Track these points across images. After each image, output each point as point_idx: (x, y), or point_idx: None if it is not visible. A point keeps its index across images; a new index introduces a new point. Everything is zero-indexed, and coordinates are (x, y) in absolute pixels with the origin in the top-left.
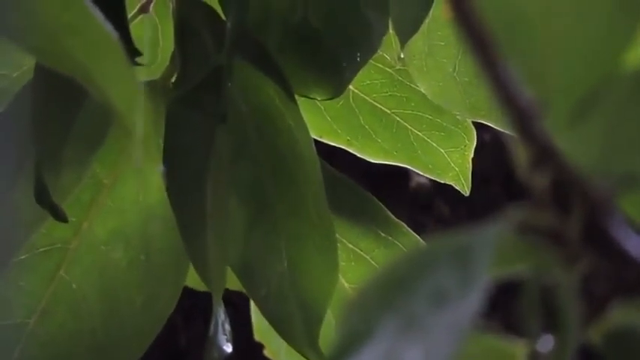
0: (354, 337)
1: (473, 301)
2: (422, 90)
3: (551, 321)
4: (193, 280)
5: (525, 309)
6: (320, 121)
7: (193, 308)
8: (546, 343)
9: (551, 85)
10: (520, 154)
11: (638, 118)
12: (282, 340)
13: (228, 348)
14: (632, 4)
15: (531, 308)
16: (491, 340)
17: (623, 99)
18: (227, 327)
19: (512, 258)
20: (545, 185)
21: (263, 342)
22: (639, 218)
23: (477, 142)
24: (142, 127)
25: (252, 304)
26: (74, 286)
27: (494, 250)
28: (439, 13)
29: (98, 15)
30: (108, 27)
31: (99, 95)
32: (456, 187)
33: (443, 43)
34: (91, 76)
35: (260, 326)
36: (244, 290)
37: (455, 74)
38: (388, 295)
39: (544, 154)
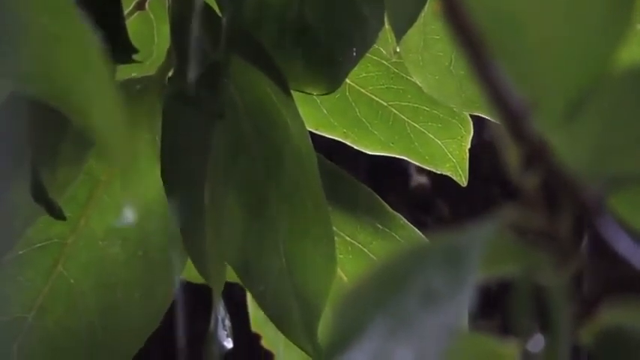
0: (345, 336)
1: (462, 300)
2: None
3: (543, 321)
4: (192, 273)
5: (516, 309)
6: (316, 113)
7: (194, 307)
8: (537, 343)
9: (541, 85)
10: (511, 154)
11: (628, 118)
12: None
13: (229, 343)
14: (623, 3)
15: (522, 308)
16: (482, 340)
17: (614, 99)
18: (227, 323)
19: (503, 258)
20: (535, 185)
21: (260, 333)
22: (630, 218)
23: (478, 141)
24: (127, 151)
25: (248, 295)
26: (72, 281)
27: (484, 250)
28: (433, 8)
29: (88, 24)
30: (97, 37)
31: (78, 118)
32: (454, 185)
33: (438, 37)
34: (72, 97)
35: (257, 317)
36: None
37: (451, 67)
38: (379, 294)
39: (535, 154)
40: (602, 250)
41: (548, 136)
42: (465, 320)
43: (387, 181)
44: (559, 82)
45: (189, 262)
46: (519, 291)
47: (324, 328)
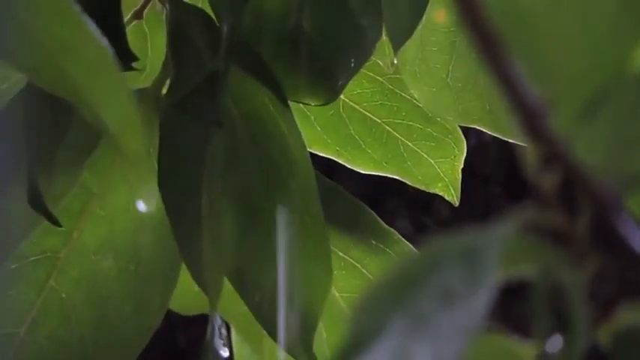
0: (363, 336)
1: (481, 300)
2: (414, 96)
3: (560, 321)
4: (179, 303)
5: (533, 309)
6: (310, 130)
7: None
8: (555, 343)
9: (558, 84)
10: (528, 154)
11: None
12: None
13: (225, 352)
14: (638, 3)
15: (539, 309)
16: (499, 340)
17: (631, 97)
18: (224, 331)
19: (520, 258)
20: (553, 185)
21: None
22: None
23: (478, 142)
24: (140, 147)
25: (233, 333)
26: (64, 295)
27: (502, 250)
28: (433, 19)
29: (95, 31)
30: (104, 41)
31: (89, 114)
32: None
33: (436, 49)
34: (83, 94)
35: (242, 355)
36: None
37: (448, 80)
38: (397, 295)
39: (552, 153)
40: (619, 249)
41: (565, 135)
42: (483, 321)
43: (386, 182)
44: (576, 81)
45: (176, 290)
46: (537, 291)
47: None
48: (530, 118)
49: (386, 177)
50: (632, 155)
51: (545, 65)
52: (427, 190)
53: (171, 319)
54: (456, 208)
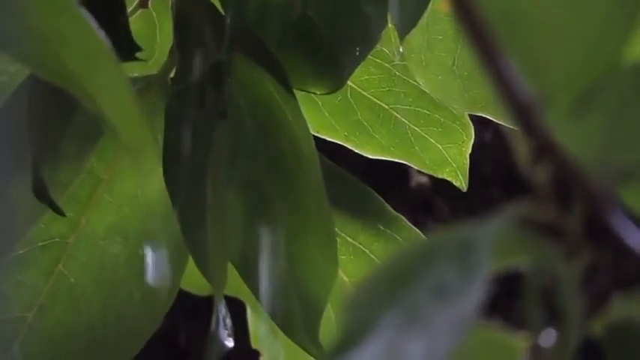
0: (355, 331)
1: (474, 294)
2: (420, 84)
3: (553, 315)
4: (189, 283)
5: (527, 303)
6: (317, 116)
7: (194, 306)
8: (548, 336)
9: (551, 78)
10: (521, 149)
11: (637, 111)
12: (279, 347)
13: (230, 343)
14: None
15: (533, 302)
16: (492, 333)
17: (623, 92)
18: (228, 322)
19: (514, 252)
20: (546, 179)
21: (260, 350)
22: (638, 210)
23: (478, 142)
24: (140, 138)
25: (249, 311)
26: (72, 280)
27: (494, 243)
28: (438, 7)
29: (91, 21)
30: (101, 34)
31: (90, 106)
32: (455, 185)
33: (442, 37)
34: (83, 86)
35: (257, 333)
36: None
37: (454, 68)
38: (390, 289)
39: (545, 147)
40: (612, 243)
41: (557, 129)
42: (476, 315)
43: (387, 181)
44: (568, 76)
45: (188, 270)
46: (530, 285)
47: (323, 328)
48: (523, 113)
49: (386, 176)
50: (623, 148)
51: (538, 59)
52: (435, 176)
53: (173, 318)
54: (456, 207)
